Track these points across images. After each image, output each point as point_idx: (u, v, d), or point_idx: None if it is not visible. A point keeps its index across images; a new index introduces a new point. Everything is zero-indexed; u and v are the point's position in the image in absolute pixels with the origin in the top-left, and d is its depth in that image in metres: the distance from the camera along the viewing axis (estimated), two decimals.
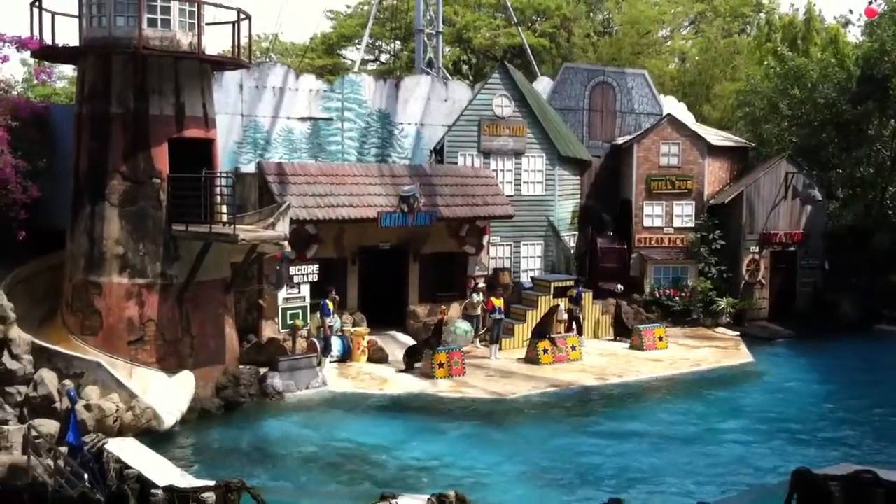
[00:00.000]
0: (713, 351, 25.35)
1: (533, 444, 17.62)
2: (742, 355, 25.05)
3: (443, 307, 23.86)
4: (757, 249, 29.18)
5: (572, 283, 25.70)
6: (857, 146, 30.68)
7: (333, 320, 22.08)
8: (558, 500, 14.47)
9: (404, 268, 24.74)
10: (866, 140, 30.74)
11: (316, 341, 22.03)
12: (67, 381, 16.93)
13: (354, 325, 23.27)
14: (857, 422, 19.32)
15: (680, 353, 24.86)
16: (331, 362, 22.02)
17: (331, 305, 21.95)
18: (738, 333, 27.46)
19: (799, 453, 16.78)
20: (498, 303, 23.80)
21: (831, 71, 31.39)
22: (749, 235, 29.12)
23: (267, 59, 34.86)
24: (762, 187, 29.20)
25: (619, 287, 27.43)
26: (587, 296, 25.69)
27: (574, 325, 24.84)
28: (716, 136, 31.03)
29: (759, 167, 30.13)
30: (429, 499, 11.41)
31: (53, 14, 19.79)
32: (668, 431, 18.53)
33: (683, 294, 28.72)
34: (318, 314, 21.93)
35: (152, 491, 12.75)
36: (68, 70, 36.76)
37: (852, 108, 30.45)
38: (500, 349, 23.82)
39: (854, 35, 39.79)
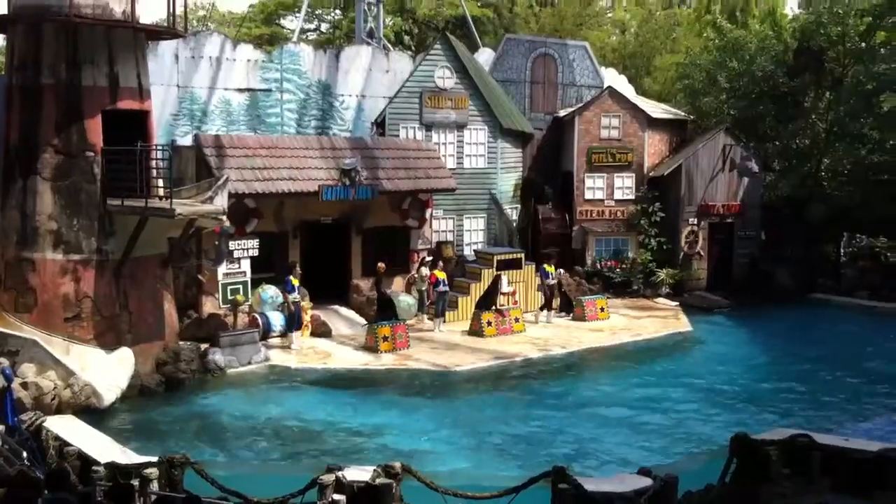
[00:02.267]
0: (653, 321, 25.70)
1: (477, 416, 17.71)
2: (681, 325, 25.45)
3: (380, 264, 23.62)
4: (695, 221, 29.58)
5: (519, 256, 25.79)
6: (793, 118, 31.18)
7: (298, 296, 21.73)
8: (503, 470, 14.55)
9: (346, 242, 24.58)
10: (802, 112, 31.26)
11: (258, 316, 21.81)
12: (3, 359, 16.52)
13: None
14: (793, 388, 19.76)
15: (621, 324, 25.17)
16: (272, 337, 21.83)
17: (294, 281, 21.65)
18: (678, 304, 27.88)
19: (737, 419, 17.10)
20: (441, 276, 23.83)
21: (769, 43, 31.82)
22: (688, 207, 29.49)
23: (203, 29, 34.22)
24: (700, 159, 29.57)
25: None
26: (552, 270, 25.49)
27: (555, 300, 25.17)
28: (656, 109, 31.31)
29: (697, 140, 30.49)
30: (375, 469, 11.38)
31: None
32: (610, 400, 18.76)
33: (624, 265, 29.07)
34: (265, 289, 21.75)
35: (93, 468, 12.51)
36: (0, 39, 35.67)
37: (789, 80, 30.92)
38: (445, 322, 23.85)
39: (791, 7, 40.38)
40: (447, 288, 23.98)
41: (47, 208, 18.38)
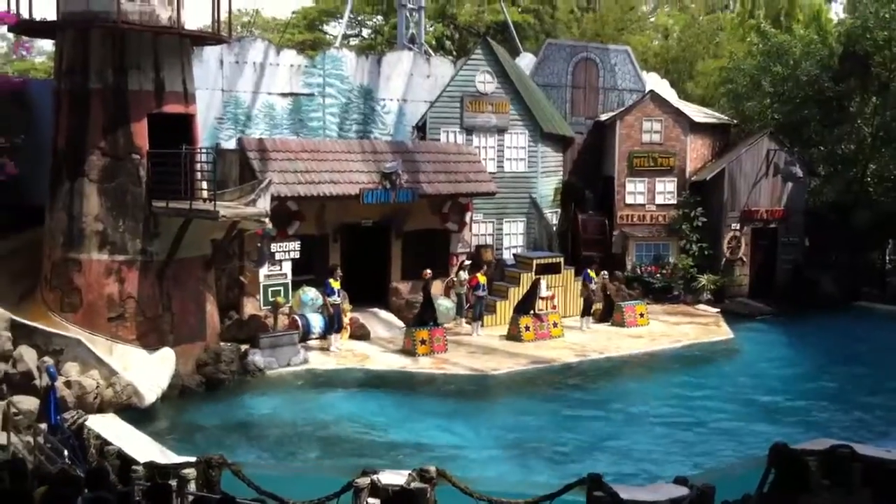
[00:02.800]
0: (694, 327, 25.48)
1: (514, 420, 17.70)
2: (722, 332, 25.18)
3: (427, 271, 23.50)
4: (738, 226, 29.27)
5: (559, 260, 25.71)
6: (838, 123, 30.75)
7: (338, 299, 21.79)
8: (538, 475, 14.55)
9: (386, 245, 24.68)
10: (848, 117, 30.82)
11: (298, 318, 21.99)
12: (47, 358, 16.82)
13: None
14: (835, 398, 19.50)
15: (661, 330, 24.99)
16: (312, 339, 21.99)
17: (334, 284, 21.66)
18: (719, 310, 27.57)
19: (776, 429, 16.90)
20: (482, 279, 23.77)
21: (814, 48, 31.40)
22: (730, 213, 29.20)
23: (247, 35, 34.56)
24: (744, 164, 29.28)
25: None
26: (595, 275, 25.37)
27: (603, 306, 25.13)
28: (698, 113, 31.05)
29: (740, 144, 30.17)
30: (410, 473, 11.43)
31: None
32: (647, 407, 18.66)
33: (665, 271, 28.85)
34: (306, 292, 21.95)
35: (133, 467, 12.72)
36: (48, 45, 36.35)
37: (834, 84, 30.49)
38: (483, 326, 23.84)
39: (837, 12, 39.86)
40: (486, 292, 23.94)
41: (93, 210, 18.71)
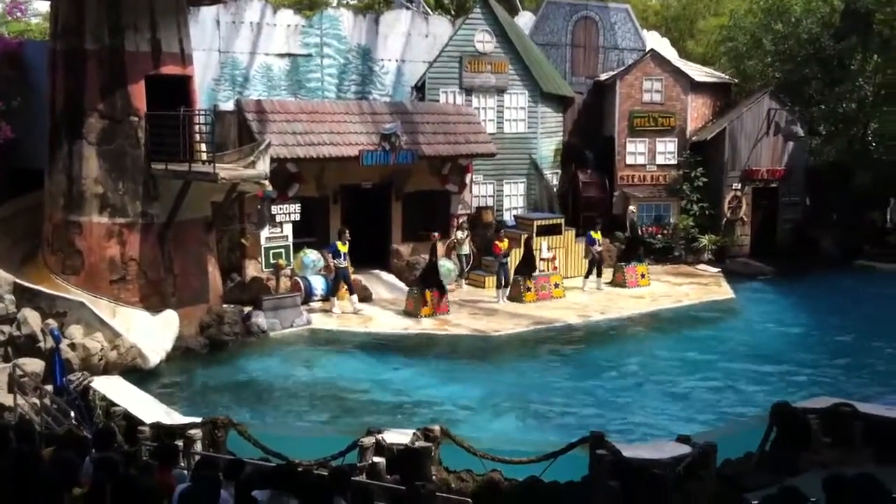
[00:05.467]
0: (695, 287, 25.53)
1: (516, 380, 17.80)
2: (723, 292, 25.24)
3: (434, 234, 23.41)
4: (739, 186, 29.21)
5: (559, 221, 25.61)
6: (839, 82, 30.56)
7: (344, 262, 21.64)
8: (541, 434, 14.65)
9: (387, 206, 24.64)
10: (849, 75, 30.61)
11: (300, 280, 22.01)
12: (51, 321, 16.88)
13: None
14: (836, 356, 19.58)
15: (662, 290, 25.03)
16: (314, 301, 22.02)
17: (341, 248, 21.52)
18: (720, 270, 27.62)
19: (778, 387, 17.02)
20: (503, 246, 23.55)
21: (815, 5, 31.14)
22: (731, 172, 29.12)
23: None
24: (745, 124, 29.14)
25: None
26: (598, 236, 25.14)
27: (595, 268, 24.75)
28: (699, 72, 30.85)
29: (741, 103, 30.03)
30: (414, 433, 11.52)
31: None
32: (649, 367, 18.74)
33: (665, 231, 28.83)
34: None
35: (139, 428, 12.83)
36: (43, 6, 35.94)
37: (835, 42, 30.27)
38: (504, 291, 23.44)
39: None
40: (507, 259, 23.66)
41: (93, 172, 18.64)
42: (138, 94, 18.74)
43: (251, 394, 16.83)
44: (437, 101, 26.33)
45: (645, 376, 18.10)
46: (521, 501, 7.50)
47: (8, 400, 14.15)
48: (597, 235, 24.99)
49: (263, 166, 19.23)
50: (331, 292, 21.89)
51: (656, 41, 32.30)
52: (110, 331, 17.31)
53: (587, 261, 25.04)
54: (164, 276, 19.06)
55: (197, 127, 18.90)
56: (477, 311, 22.28)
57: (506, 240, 23.76)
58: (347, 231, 22.00)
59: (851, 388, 16.75)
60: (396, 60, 27.63)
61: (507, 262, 23.54)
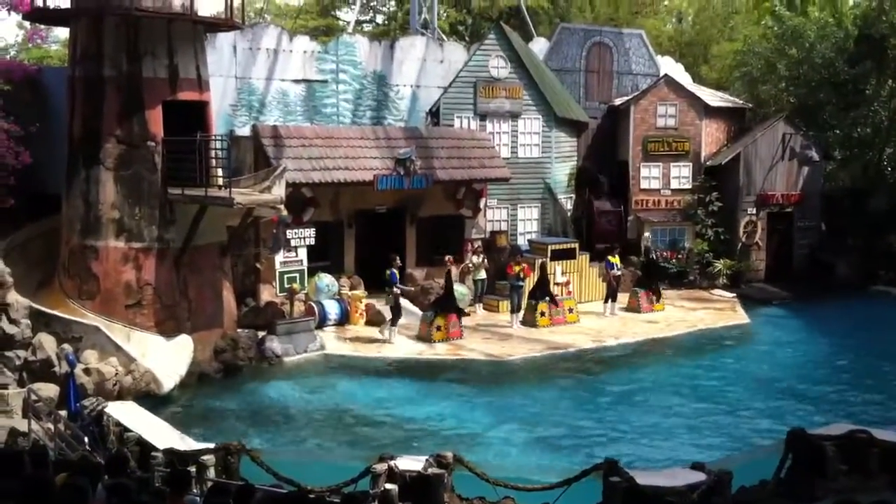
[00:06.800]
0: (709, 312, 25.42)
1: (530, 406, 17.71)
2: (738, 317, 25.12)
3: (449, 257, 23.45)
4: (754, 211, 29.13)
5: (573, 246, 25.57)
6: (854, 106, 30.53)
7: (398, 289, 21.55)
8: (554, 461, 14.57)
9: (401, 231, 24.70)
10: (864, 100, 30.59)
11: (314, 305, 22.04)
12: (66, 346, 16.92)
13: (352, 288, 23.26)
14: (852, 382, 19.43)
15: (676, 315, 24.93)
16: (328, 326, 22.03)
17: (398, 274, 21.65)
18: (735, 295, 27.49)
19: (794, 414, 16.90)
20: (518, 268, 23.52)
21: (829, 30, 31.15)
22: (746, 197, 29.07)
23: (260, 21, 34.53)
24: (759, 148, 29.11)
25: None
26: (616, 262, 25.05)
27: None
28: (713, 97, 30.87)
29: (756, 128, 30.00)
30: (427, 459, 11.47)
31: None
32: (663, 393, 18.63)
33: (680, 256, 28.76)
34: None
35: (152, 454, 12.83)
36: (63, 32, 36.36)
37: (850, 68, 30.26)
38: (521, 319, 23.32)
39: None
40: (523, 283, 23.71)
41: (110, 197, 18.79)
42: (155, 119, 18.91)
43: (265, 419, 16.81)
44: (452, 126, 26.44)
45: (658, 402, 17.99)
46: None
47: (22, 425, 14.17)
48: (615, 260, 24.92)
49: (279, 191, 19.34)
50: (344, 318, 21.87)
51: (670, 66, 32.36)
52: (125, 356, 17.36)
53: (605, 284, 24.91)
54: (179, 300, 19.14)
55: (213, 152, 19.02)
56: (490, 335, 22.24)
57: (524, 264, 23.72)
58: (398, 258, 22.10)
59: (868, 415, 16.62)
60: (411, 86, 27.77)
61: (521, 287, 23.49)
